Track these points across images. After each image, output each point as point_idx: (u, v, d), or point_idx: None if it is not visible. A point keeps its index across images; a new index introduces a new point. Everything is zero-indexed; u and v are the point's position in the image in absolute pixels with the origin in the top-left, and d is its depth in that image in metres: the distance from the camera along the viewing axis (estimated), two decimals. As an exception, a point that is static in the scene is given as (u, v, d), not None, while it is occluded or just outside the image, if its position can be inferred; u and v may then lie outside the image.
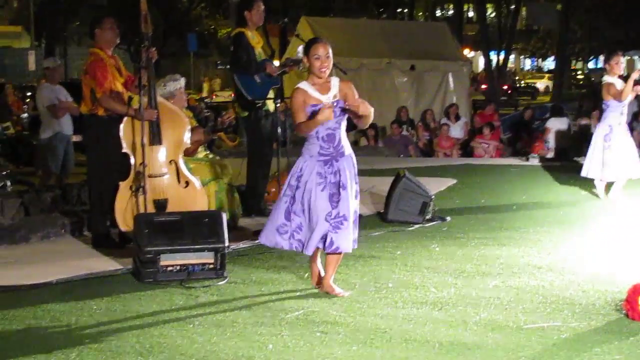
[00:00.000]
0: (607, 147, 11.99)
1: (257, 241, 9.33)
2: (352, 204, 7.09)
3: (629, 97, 12.06)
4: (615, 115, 12.04)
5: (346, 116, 7.10)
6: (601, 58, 51.91)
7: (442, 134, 19.71)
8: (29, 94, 27.31)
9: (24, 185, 12.94)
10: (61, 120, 13.42)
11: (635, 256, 8.56)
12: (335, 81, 7.17)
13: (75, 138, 14.04)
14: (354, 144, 18.41)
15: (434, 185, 12.40)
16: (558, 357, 5.70)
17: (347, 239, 7.03)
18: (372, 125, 19.95)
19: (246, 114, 10.84)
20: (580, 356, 5.71)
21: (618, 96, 11.92)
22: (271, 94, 10.61)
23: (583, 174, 12.31)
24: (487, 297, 7.10)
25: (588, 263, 8.29)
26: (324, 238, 7.02)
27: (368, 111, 6.92)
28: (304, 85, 7.10)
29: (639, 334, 6.12)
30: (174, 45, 39.05)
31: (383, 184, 11.43)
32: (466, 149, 19.52)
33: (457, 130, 20.21)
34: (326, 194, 7.02)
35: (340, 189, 7.03)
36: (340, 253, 7.14)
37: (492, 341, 6.00)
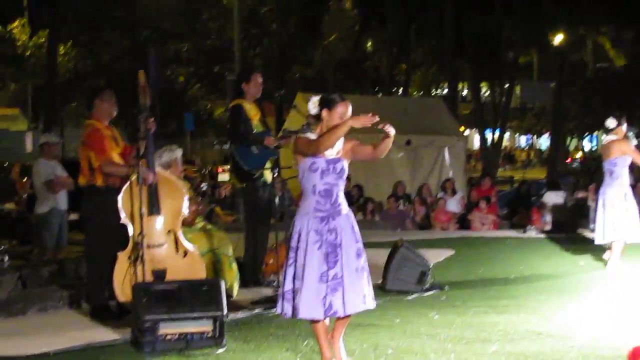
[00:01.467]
0: (627, 209, 11.96)
1: (255, 311, 9.40)
2: (353, 264, 6.82)
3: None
4: (626, 175, 12.05)
5: (346, 174, 7.02)
6: (595, 135, 52.33)
7: (439, 208, 19.73)
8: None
9: (22, 260, 12.90)
10: (57, 196, 13.45)
11: (633, 322, 8.53)
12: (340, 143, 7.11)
13: (73, 216, 14.07)
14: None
15: (432, 256, 12.37)
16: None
17: (346, 300, 6.75)
18: (370, 200, 20.04)
19: (244, 185, 10.89)
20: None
21: (636, 155, 11.99)
22: (268, 165, 10.68)
23: (598, 241, 12.25)
24: (487, 363, 7.08)
25: (587, 329, 8.26)
26: (323, 302, 6.75)
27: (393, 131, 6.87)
28: (307, 135, 6.98)
29: (640, 396, 6.09)
30: (171, 126, 39.23)
31: (380, 256, 11.38)
32: (463, 223, 19.52)
33: (453, 205, 20.24)
34: (322, 252, 6.79)
35: (338, 249, 6.79)
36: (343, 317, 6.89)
37: (494, 404, 5.97)
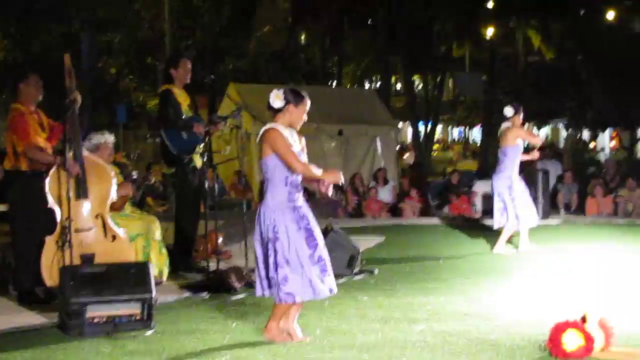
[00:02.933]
0: (514, 199, 12.31)
1: (184, 295, 9.40)
2: (325, 247, 7.22)
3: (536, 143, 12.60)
4: (514, 165, 12.54)
5: None
6: (526, 127, 52.85)
7: (371, 197, 19.83)
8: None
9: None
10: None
11: (558, 301, 8.69)
12: (302, 140, 7.32)
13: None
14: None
15: (363, 243, 12.52)
16: (483, 392, 5.75)
17: (333, 277, 7.20)
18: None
19: (172, 170, 10.85)
20: (504, 390, 5.77)
21: (532, 138, 12.38)
22: (198, 150, 10.65)
23: (496, 226, 12.59)
24: (414, 341, 7.15)
25: (514, 309, 8.39)
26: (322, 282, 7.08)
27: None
28: (278, 127, 7.11)
29: (561, 370, 6.20)
30: (103, 118, 38.84)
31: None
32: (395, 212, 19.65)
33: (385, 194, 20.36)
34: (304, 238, 7.05)
35: (313, 232, 7.12)
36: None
37: (418, 379, 6.04)
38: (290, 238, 7.02)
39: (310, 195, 20.41)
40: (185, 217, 10.90)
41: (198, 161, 10.65)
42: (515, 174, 12.54)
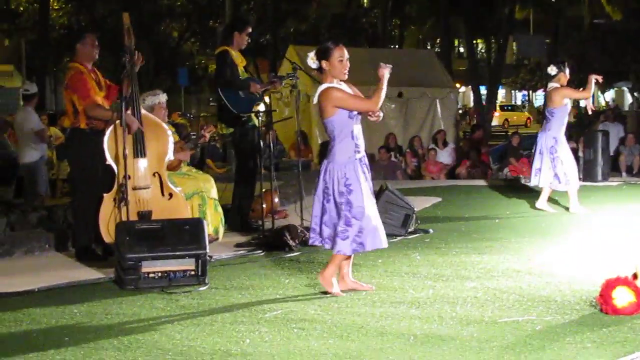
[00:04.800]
0: (556, 159, 12.17)
1: (239, 252, 9.50)
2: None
3: (586, 98, 12.41)
4: (561, 125, 12.33)
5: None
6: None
7: (430, 159, 19.82)
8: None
9: (10, 206, 12.96)
10: (44, 145, 13.53)
11: (612, 259, 8.63)
12: (350, 88, 7.35)
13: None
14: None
15: (419, 203, 12.52)
16: (531, 347, 5.76)
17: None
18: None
19: (231, 130, 10.94)
20: (552, 345, 5.77)
21: (579, 94, 12.25)
22: (256, 109, 10.73)
23: (536, 183, 12.53)
24: (464, 297, 7.18)
25: (567, 267, 8.36)
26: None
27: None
28: (332, 84, 7.23)
29: (611, 326, 6.18)
30: (165, 82, 39.14)
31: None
32: (453, 174, 19.61)
33: (444, 156, 20.34)
34: (370, 189, 7.38)
35: (371, 186, 7.44)
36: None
37: (467, 333, 6.06)
38: (363, 190, 7.21)
39: (370, 159, 20.54)
40: (245, 176, 11.00)
41: (256, 120, 10.72)
42: (562, 135, 12.38)
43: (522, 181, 16.78)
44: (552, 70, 12.36)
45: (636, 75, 38.96)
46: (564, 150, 12.32)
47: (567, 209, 12.46)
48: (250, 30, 11.10)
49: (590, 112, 13.23)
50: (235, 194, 11.09)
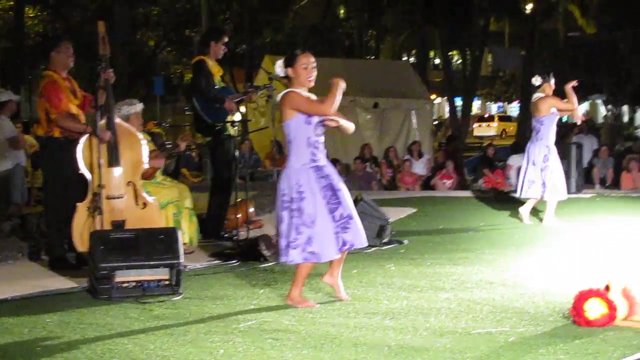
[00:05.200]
0: (545, 168, 12.19)
1: (214, 262, 9.49)
2: (351, 202, 7.39)
3: (571, 111, 12.44)
4: (551, 134, 12.33)
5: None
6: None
7: (405, 170, 19.85)
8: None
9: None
10: (19, 152, 13.46)
11: (585, 271, 8.68)
12: (313, 95, 7.35)
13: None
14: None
15: (394, 213, 12.56)
16: (504, 358, 5.77)
17: (358, 234, 7.32)
18: (336, 161, 20.08)
19: (208, 139, 10.94)
20: (525, 357, 5.79)
21: (564, 105, 12.23)
22: (230, 118, 10.74)
23: (523, 195, 12.51)
24: (438, 308, 7.19)
25: (540, 279, 8.39)
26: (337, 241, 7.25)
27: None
28: (295, 89, 7.24)
29: (583, 337, 6.20)
30: (141, 90, 39.05)
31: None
32: (428, 185, 19.65)
33: (419, 167, 20.40)
34: (326, 197, 7.22)
35: (337, 191, 7.25)
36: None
37: (440, 345, 6.07)
38: (314, 200, 7.15)
39: (345, 169, 20.56)
40: (221, 184, 10.98)
41: (231, 129, 10.72)
42: (552, 143, 12.41)
43: (496, 194, 16.88)
44: (536, 80, 12.42)
45: (609, 89, 39.23)
46: (554, 159, 12.33)
47: (541, 220, 12.51)
48: (226, 39, 11.11)
49: (579, 122, 13.25)
50: (211, 203, 11.09)
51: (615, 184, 19.12)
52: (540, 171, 12.27)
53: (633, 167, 18.66)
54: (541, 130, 12.33)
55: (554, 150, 12.34)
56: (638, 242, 10.68)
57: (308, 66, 7.24)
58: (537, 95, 12.48)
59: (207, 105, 10.68)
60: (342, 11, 49.19)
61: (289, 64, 7.28)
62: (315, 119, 7.23)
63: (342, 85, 7.24)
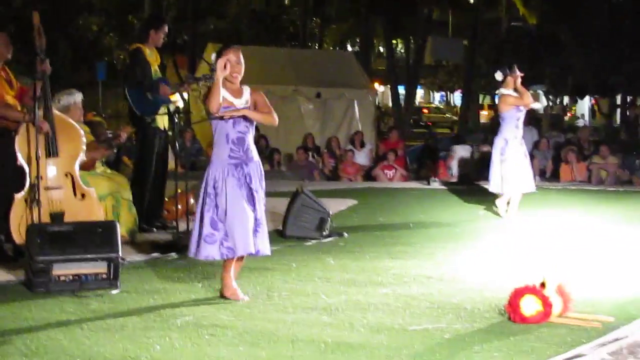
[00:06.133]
0: (503, 161, 12.27)
1: (153, 255, 9.43)
2: (263, 209, 7.32)
3: (525, 106, 12.39)
4: (511, 129, 12.33)
5: (254, 123, 7.32)
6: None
7: (347, 160, 19.86)
8: None
9: None
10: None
11: (522, 266, 8.76)
12: (247, 89, 7.31)
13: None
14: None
15: (335, 205, 12.58)
16: (439, 355, 5.83)
17: (265, 241, 7.29)
18: (276, 151, 20.08)
19: (135, 130, 10.84)
20: (460, 354, 5.86)
21: (519, 102, 12.22)
22: (163, 111, 10.63)
23: (491, 189, 12.59)
24: (376, 303, 7.23)
25: (478, 274, 8.48)
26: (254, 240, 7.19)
27: (269, 121, 7.40)
28: (218, 84, 7.17)
29: (518, 335, 6.28)
30: (83, 76, 38.67)
31: (283, 205, 11.46)
32: (370, 176, 19.69)
33: (362, 157, 20.41)
34: (245, 195, 7.19)
35: (254, 193, 7.23)
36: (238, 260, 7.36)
37: (377, 341, 6.11)
38: (229, 194, 7.14)
39: (288, 159, 20.57)
40: (142, 179, 10.82)
41: (160, 123, 10.63)
42: (513, 137, 12.43)
43: (435, 184, 16.98)
44: (498, 76, 12.48)
45: (551, 79, 39.57)
46: (512, 153, 12.36)
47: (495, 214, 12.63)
48: (166, 28, 11.01)
49: (542, 111, 13.27)
50: (135, 197, 10.90)
51: (555, 176, 19.30)
52: (499, 163, 12.34)
53: (571, 159, 18.86)
54: (501, 125, 12.46)
55: (512, 144, 12.36)
56: (574, 237, 10.83)
57: (232, 62, 7.19)
58: (500, 91, 12.57)
59: (138, 96, 10.57)
60: (286, -2, 49.15)
61: (217, 57, 7.25)
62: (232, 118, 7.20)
63: (219, 76, 7.06)
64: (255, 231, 7.21)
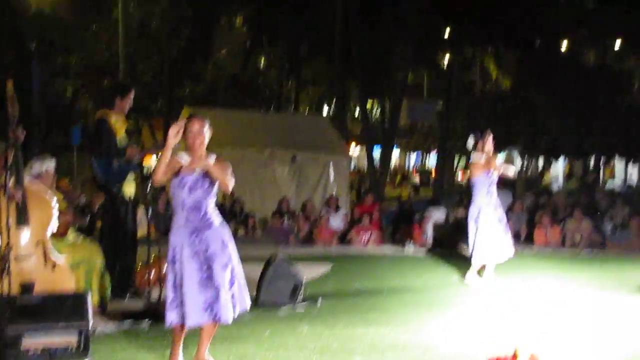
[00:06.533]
0: (478, 229, 12.27)
1: (124, 323, 9.34)
2: (226, 275, 7.17)
3: (496, 171, 12.37)
4: (483, 195, 12.34)
5: (215, 188, 7.23)
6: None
7: (322, 225, 19.83)
8: None
9: None
10: None
11: (495, 334, 8.74)
12: (212, 158, 7.29)
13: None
14: (233, 234, 18.39)
15: (309, 271, 12.54)
16: None
17: (226, 309, 7.12)
18: (250, 215, 20.03)
19: (102, 198, 10.80)
20: None
21: (486, 167, 12.23)
22: (131, 178, 10.61)
23: (473, 258, 12.55)
24: (349, 373, 7.19)
25: (451, 342, 8.44)
26: (205, 309, 7.07)
27: (223, 179, 7.15)
28: (182, 153, 7.20)
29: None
30: (58, 140, 38.61)
31: (257, 271, 11.41)
32: (345, 239, 19.65)
33: (337, 221, 20.38)
34: (197, 263, 7.11)
35: (210, 260, 7.13)
36: (216, 324, 7.24)
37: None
38: (184, 264, 7.11)
39: (263, 224, 20.52)
40: (110, 248, 10.72)
41: (127, 191, 10.60)
42: (486, 204, 12.45)
43: (409, 248, 16.97)
44: (469, 143, 12.53)
45: (525, 141, 39.85)
46: (486, 221, 12.34)
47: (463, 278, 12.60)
48: (132, 95, 10.96)
49: (512, 176, 13.13)
50: (105, 261, 10.82)
51: (529, 239, 19.33)
52: (474, 231, 12.33)
53: (545, 222, 18.91)
54: (473, 192, 12.48)
55: (485, 212, 12.36)
56: (548, 305, 10.82)
57: (193, 132, 7.22)
58: (472, 157, 12.60)
59: (104, 165, 10.54)
60: (262, 61, 49.35)
61: (186, 125, 7.26)
62: (190, 182, 7.17)
63: (168, 145, 7.00)
64: (216, 299, 7.09)
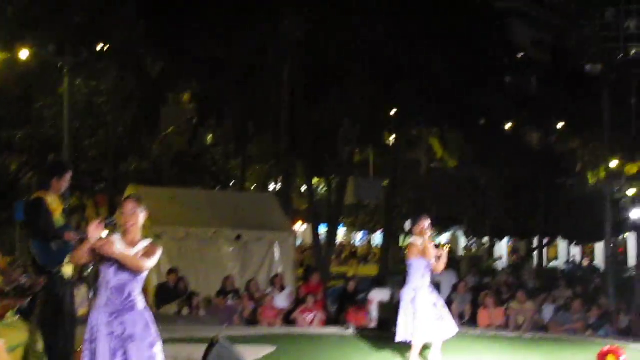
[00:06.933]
0: (415, 312, 12.23)
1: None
2: (151, 355, 7.07)
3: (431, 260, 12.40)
4: (418, 277, 12.32)
5: (143, 273, 7.21)
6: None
7: (267, 304, 19.73)
8: None
9: None
10: None
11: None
12: (145, 242, 7.24)
13: None
14: (177, 313, 18.24)
15: (252, 353, 12.41)
16: None
17: None
18: (194, 294, 19.87)
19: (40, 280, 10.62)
20: None
21: (422, 254, 12.25)
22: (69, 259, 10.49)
23: (397, 339, 12.47)
24: None
25: None
26: None
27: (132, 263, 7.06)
28: (116, 236, 7.17)
29: None
30: (1, 215, 38.18)
31: (201, 352, 11.29)
32: (290, 319, 19.56)
33: (282, 300, 20.31)
34: (111, 346, 6.99)
35: (127, 343, 7.01)
36: None
37: None
38: (98, 347, 7.01)
39: (207, 303, 20.34)
40: (48, 330, 10.54)
41: (67, 271, 10.47)
42: (420, 286, 12.42)
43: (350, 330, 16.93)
44: (406, 226, 12.60)
45: (470, 220, 40.22)
46: (420, 303, 12.29)
47: None
48: (69, 176, 10.81)
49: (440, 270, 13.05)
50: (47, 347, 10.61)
51: (473, 319, 19.37)
52: (412, 314, 12.26)
53: (489, 303, 18.98)
54: (409, 273, 12.44)
55: (421, 293, 12.32)
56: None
57: (125, 212, 7.26)
58: (411, 239, 12.64)
59: (41, 247, 10.39)
60: (209, 138, 49.41)
61: (122, 205, 7.34)
62: (116, 263, 7.08)
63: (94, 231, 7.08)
64: None
